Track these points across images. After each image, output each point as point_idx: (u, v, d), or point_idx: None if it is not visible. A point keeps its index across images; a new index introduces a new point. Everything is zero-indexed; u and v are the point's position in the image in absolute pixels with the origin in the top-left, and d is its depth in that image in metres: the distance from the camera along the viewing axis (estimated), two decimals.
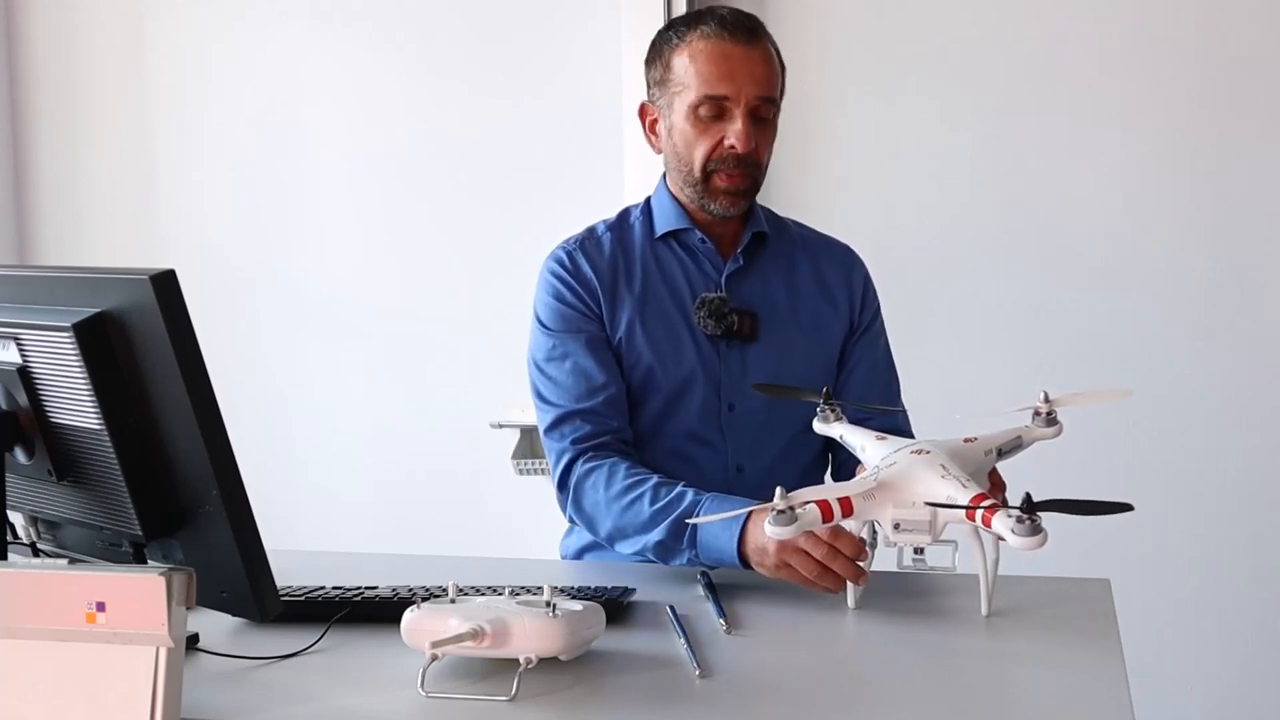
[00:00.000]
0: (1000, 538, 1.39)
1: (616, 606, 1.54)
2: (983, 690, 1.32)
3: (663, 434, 1.91)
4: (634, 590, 1.63)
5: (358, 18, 3.17)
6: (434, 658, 1.30)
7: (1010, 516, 1.36)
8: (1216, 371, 2.84)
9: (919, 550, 1.51)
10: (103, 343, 1.29)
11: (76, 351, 1.29)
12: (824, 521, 1.45)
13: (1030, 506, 1.35)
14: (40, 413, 1.38)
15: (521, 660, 1.30)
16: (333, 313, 3.23)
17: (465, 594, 1.41)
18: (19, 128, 3.39)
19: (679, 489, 1.75)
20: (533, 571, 1.93)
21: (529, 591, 1.46)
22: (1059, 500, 1.36)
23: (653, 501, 1.75)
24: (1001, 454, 1.60)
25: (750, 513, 1.63)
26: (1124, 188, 2.86)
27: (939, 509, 1.44)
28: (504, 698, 1.27)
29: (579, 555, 2.00)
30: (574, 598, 1.45)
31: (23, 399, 1.38)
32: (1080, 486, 2.89)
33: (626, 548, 1.80)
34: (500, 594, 1.44)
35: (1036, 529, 1.35)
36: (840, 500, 1.46)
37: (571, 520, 1.90)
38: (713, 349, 1.92)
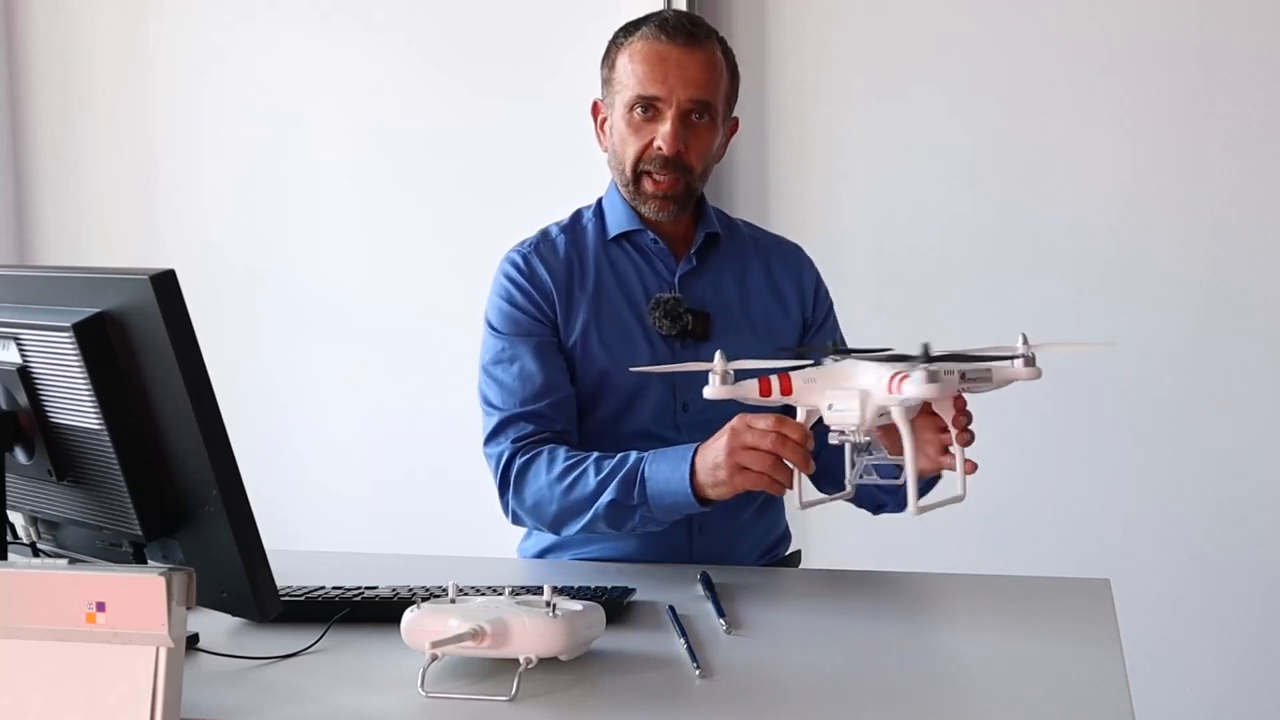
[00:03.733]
0: (915, 398, 1.45)
1: (616, 606, 1.54)
2: (982, 690, 1.32)
3: (617, 434, 1.90)
4: (634, 590, 1.63)
5: (358, 18, 3.17)
6: (434, 658, 1.30)
7: (914, 373, 1.45)
8: (1217, 371, 2.83)
9: (865, 448, 1.58)
10: (103, 343, 1.29)
11: (76, 351, 1.29)
12: (761, 396, 1.52)
13: (929, 357, 1.45)
14: (40, 413, 1.38)
15: (521, 660, 1.30)
16: (333, 313, 3.23)
17: (465, 594, 1.41)
18: (19, 128, 3.39)
19: (621, 455, 1.77)
20: (533, 571, 1.93)
21: (529, 591, 1.46)
22: (957, 354, 1.49)
23: (597, 471, 1.76)
24: (964, 378, 1.57)
25: (696, 449, 1.69)
26: (1125, 187, 2.86)
27: (869, 391, 1.48)
28: (504, 698, 1.27)
29: (538, 559, 2.00)
30: (574, 598, 1.45)
31: (23, 399, 1.38)
32: (1080, 487, 2.92)
33: (575, 526, 1.79)
34: (500, 594, 1.44)
35: (934, 377, 1.44)
36: (780, 377, 1.52)
37: (515, 519, 1.88)
38: (667, 349, 1.92)
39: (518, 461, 1.84)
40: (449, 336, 3.14)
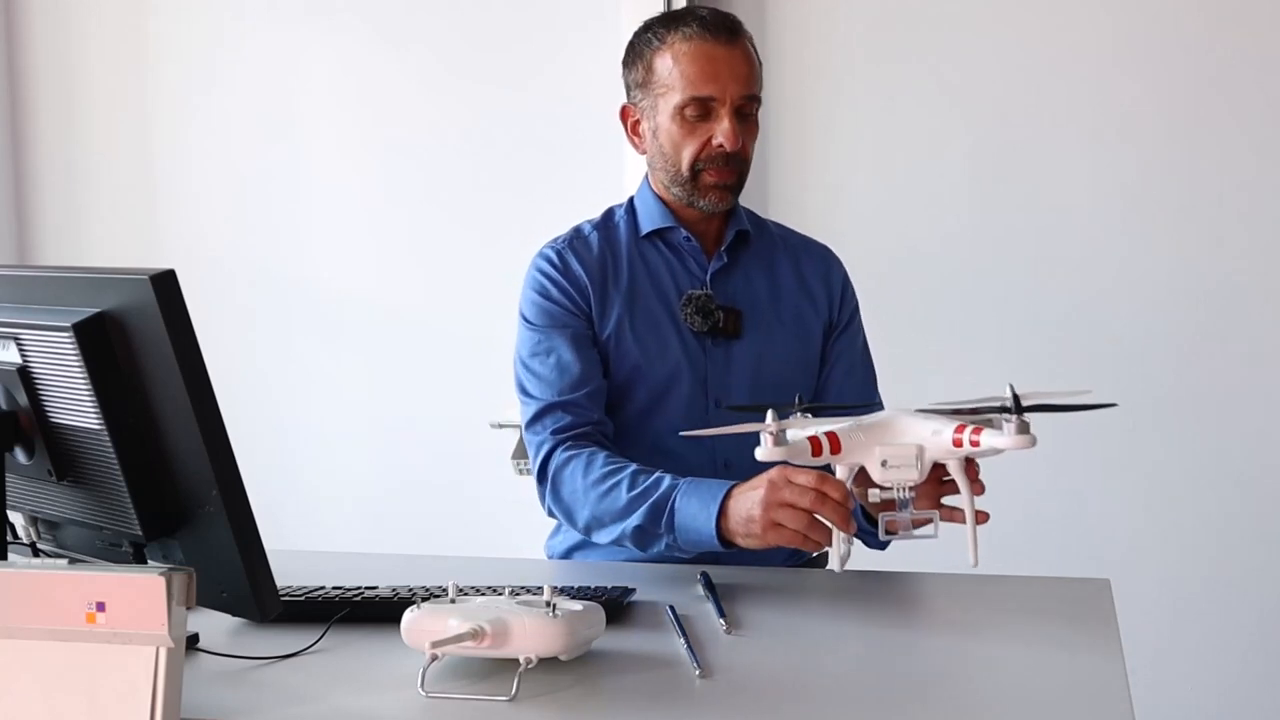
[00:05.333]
0: (996, 449, 1.42)
1: (616, 606, 1.54)
2: (983, 690, 1.32)
3: (648, 430, 1.91)
4: (634, 590, 1.63)
5: (358, 18, 3.17)
6: (434, 658, 1.30)
7: (998, 425, 1.39)
8: (1217, 371, 2.84)
9: (906, 504, 1.50)
10: (103, 343, 1.29)
11: (76, 351, 1.29)
12: (813, 455, 1.48)
13: (1019, 407, 1.39)
14: (40, 413, 1.38)
15: (521, 660, 1.30)
16: (332, 313, 3.23)
17: (465, 594, 1.41)
18: (19, 128, 3.39)
19: (657, 475, 1.75)
20: (532, 571, 1.93)
21: (529, 591, 1.46)
22: (1045, 404, 1.42)
23: (630, 488, 1.75)
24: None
25: (729, 490, 1.65)
26: (1125, 187, 2.86)
27: (924, 445, 1.45)
28: (504, 698, 1.27)
29: (566, 556, 2.00)
30: (574, 598, 1.45)
31: (23, 399, 1.38)
32: (1080, 487, 2.92)
33: (604, 536, 1.80)
34: (500, 594, 1.44)
35: (1026, 427, 1.38)
36: (828, 435, 1.48)
37: (550, 512, 1.89)
38: (699, 346, 1.93)
39: (557, 457, 1.84)
40: (448, 336, 3.14)
